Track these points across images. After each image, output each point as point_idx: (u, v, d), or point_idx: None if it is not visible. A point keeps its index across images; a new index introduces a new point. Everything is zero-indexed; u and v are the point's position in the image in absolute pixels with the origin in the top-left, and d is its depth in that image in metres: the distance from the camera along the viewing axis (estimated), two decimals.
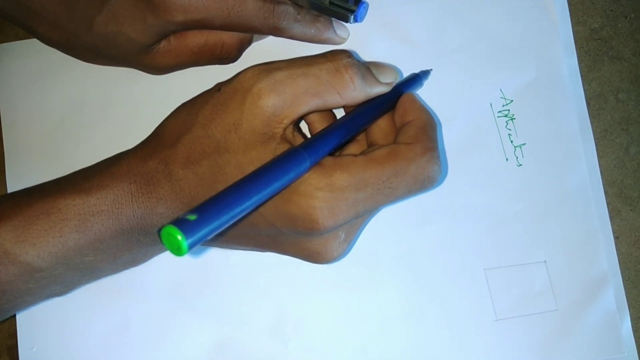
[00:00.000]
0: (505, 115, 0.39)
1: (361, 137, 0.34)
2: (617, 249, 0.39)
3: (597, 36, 0.41)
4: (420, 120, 0.31)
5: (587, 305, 0.38)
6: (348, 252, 0.31)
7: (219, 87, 0.30)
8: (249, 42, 0.38)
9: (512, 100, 0.40)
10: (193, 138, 0.29)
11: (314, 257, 0.30)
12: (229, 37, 0.36)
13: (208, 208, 0.24)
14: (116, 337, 0.37)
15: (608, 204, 0.39)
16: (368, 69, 0.31)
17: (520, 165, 0.39)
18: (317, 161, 0.28)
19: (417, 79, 0.37)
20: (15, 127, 0.40)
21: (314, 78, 0.29)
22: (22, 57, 0.40)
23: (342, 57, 0.30)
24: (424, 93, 0.39)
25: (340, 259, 0.31)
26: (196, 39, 0.35)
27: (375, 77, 0.31)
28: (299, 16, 0.36)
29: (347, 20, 0.37)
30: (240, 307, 0.38)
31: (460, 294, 0.38)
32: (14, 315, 0.38)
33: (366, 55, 0.40)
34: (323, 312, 0.38)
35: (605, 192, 0.39)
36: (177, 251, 0.23)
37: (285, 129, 0.29)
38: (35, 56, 0.40)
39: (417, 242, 0.38)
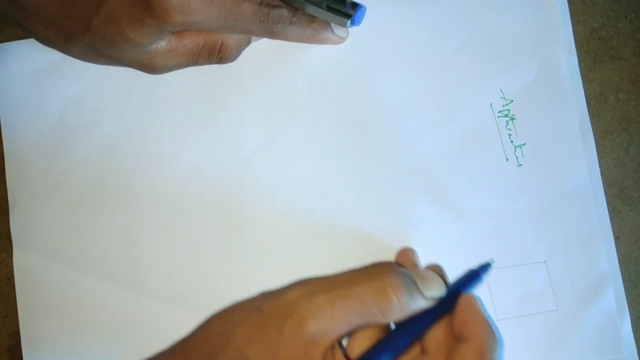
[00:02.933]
0: (506, 115, 0.39)
1: None
2: (617, 249, 0.39)
3: (597, 36, 0.41)
4: (479, 342, 0.29)
5: (587, 306, 0.38)
6: None
7: (259, 305, 0.29)
8: (247, 42, 0.38)
9: (512, 100, 0.40)
10: None
11: None
12: (227, 38, 0.36)
13: None
14: (117, 337, 0.38)
15: (608, 204, 0.39)
16: (414, 283, 0.30)
17: (521, 165, 0.39)
18: None
19: (476, 277, 0.34)
20: (15, 127, 0.40)
21: (357, 301, 0.28)
22: (21, 57, 0.40)
23: (389, 276, 0.29)
24: (425, 93, 0.39)
25: None
26: (195, 39, 0.35)
27: (420, 292, 0.30)
28: (294, 18, 0.36)
29: (344, 25, 0.37)
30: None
31: None
32: (15, 316, 0.38)
33: (366, 57, 0.39)
34: None
35: (606, 192, 0.39)
36: None
37: (325, 353, 0.28)
38: (34, 56, 0.40)
39: (417, 242, 0.38)
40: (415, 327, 0.30)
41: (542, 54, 0.40)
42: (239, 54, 0.38)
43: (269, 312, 0.28)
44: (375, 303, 0.28)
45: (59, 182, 0.39)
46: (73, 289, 0.38)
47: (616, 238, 0.39)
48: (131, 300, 0.38)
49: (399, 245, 0.38)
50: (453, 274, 0.38)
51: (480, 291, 0.38)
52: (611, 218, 0.39)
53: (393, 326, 0.30)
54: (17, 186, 0.39)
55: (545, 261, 0.38)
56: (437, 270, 0.33)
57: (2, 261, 0.39)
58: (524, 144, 0.39)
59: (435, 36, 0.40)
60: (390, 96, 0.39)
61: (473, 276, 0.33)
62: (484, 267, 0.34)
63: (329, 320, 0.27)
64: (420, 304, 0.30)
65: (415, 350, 0.30)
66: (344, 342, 0.30)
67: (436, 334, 0.30)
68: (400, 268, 0.30)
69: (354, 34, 0.39)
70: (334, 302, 0.28)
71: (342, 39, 0.39)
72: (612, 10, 0.41)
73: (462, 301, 0.31)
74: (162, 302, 0.38)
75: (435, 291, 0.30)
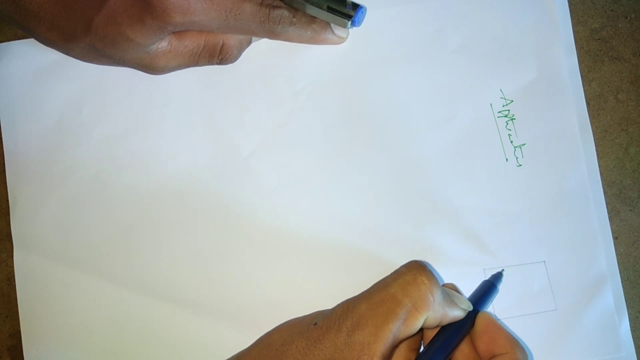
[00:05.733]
0: (506, 116, 0.39)
1: None
2: (615, 249, 0.39)
3: (597, 36, 0.41)
4: (513, 357, 0.30)
5: (586, 305, 0.38)
6: None
7: (315, 320, 0.30)
8: (248, 43, 0.38)
9: (512, 101, 0.40)
10: None
11: None
12: (228, 38, 0.36)
13: None
14: (118, 336, 0.38)
15: (607, 204, 0.39)
16: (445, 290, 0.31)
17: (520, 165, 0.39)
18: None
19: (492, 288, 0.34)
20: (15, 127, 0.40)
21: (392, 301, 0.29)
22: (21, 57, 0.40)
23: (418, 269, 0.30)
24: (425, 94, 0.39)
25: None
26: (195, 39, 0.35)
27: (451, 299, 0.31)
28: (294, 19, 0.36)
29: (344, 26, 0.37)
30: (242, 306, 0.38)
31: None
32: (16, 316, 0.38)
33: (365, 57, 0.39)
34: None
35: (605, 193, 0.39)
36: None
37: None
38: (34, 56, 0.40)
39: (417, 242, 0.38)
40: (447, 343, 0.31)
41: (542, 54, 0.40)
42: (240, 55, 0.38)
43: (324, 325, 0.29)
44: (406, 294, 0.29)
45: (59, 182, 0.39)
46: (73, 289, 0.38)
47: (615, 238, 0.39)
48: (131, 300, 0.38)
49: (397, 243, 0.38)
50: (451, 273, 0.38)
51: None
52: (610, 218, 0.39)
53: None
54: (17, 186, 0.39)
55: (544, 261, 0.38)
56: (454, 288, 0.34)
57: (2, 261, 0.39)
58: (524, 144, 0.39)
59: (435, 36, 0.40)
60: (390, 96, 0.39)
61: (489, 287, 0.34)
62: (497, 276, 0.35)
63: (372, 328, 0.28)
64: (456, 313, 0.31)
65: None
66: None
67: (465, 352, 0.31)
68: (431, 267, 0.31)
69: (354, 34, 0.39)
70: (373, 309, 0.29)
71: (342, 40, 0.39)
72: (612, 10, 0.41)
73: (482, 319, 0.32)
74: (162, 302, 0.38)
75: (464, 303, 0.32)
